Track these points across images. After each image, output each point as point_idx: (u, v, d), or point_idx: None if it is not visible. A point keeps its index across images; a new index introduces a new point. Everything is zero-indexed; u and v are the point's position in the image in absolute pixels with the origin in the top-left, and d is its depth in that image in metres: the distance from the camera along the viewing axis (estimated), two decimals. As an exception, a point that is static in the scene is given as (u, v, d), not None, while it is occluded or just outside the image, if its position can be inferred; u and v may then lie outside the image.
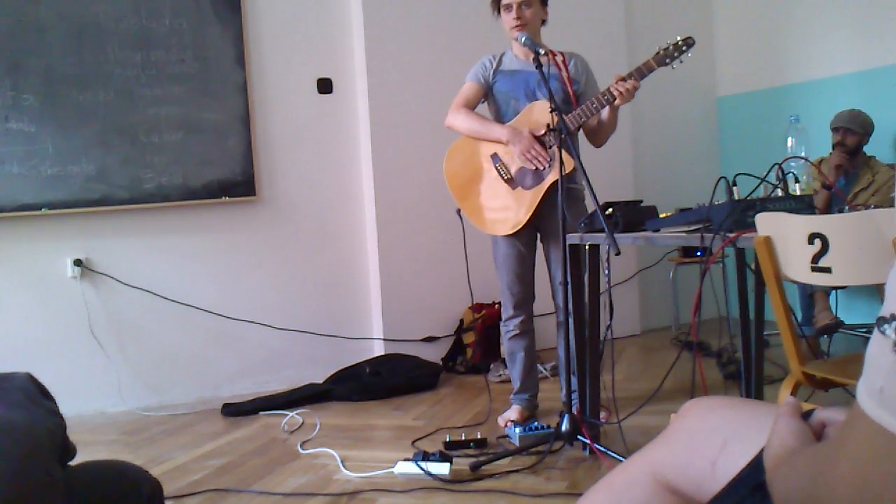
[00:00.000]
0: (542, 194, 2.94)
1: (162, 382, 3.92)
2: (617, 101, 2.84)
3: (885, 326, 0.58)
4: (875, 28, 4.32)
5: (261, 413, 3.57)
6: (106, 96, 3.76)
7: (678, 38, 2.82)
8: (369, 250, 4.33)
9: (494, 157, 3.02)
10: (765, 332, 2.67)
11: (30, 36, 3.64)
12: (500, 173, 3.01)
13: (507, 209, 3.00)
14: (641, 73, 2.82)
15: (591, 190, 2.49)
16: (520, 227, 2.98)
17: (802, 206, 2.11)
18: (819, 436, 0.83)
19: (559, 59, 3.04)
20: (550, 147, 2.90)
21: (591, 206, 2.59)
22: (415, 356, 4.09)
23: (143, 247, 3.91)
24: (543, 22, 3.06)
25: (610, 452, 2.54)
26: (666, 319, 5.06)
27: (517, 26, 2.93)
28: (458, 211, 3.07)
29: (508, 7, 2.94)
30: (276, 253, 4.17)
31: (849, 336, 4.09)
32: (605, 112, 2.92)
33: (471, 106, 3.08)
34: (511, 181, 3.00)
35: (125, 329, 3.87)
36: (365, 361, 4.00)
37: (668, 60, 2.82)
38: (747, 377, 2.55)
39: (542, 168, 2.93)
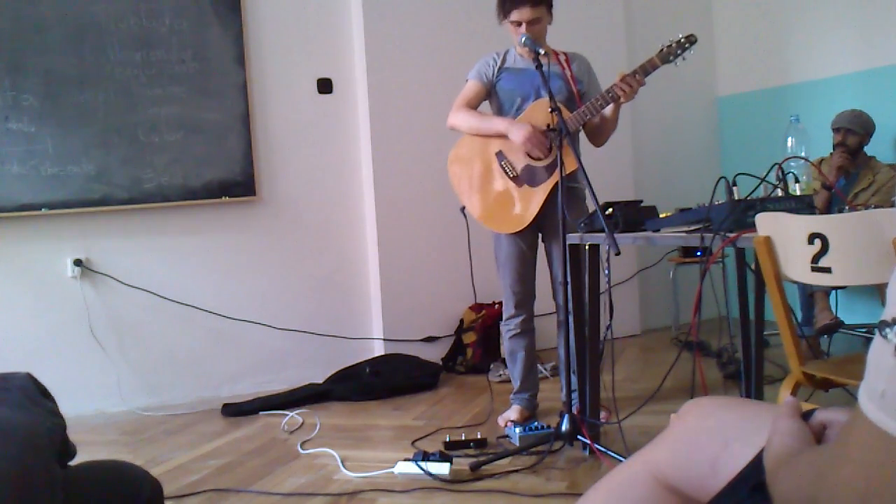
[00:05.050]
0: (548, 192, 2.93)
1: (162, 382, 3.92)
2: (622, 99, 2.83)
3: (887, 331, 0.58)
4: (875, 28, 4.32)
5: (261, 413, 3.57)
6: (106, 96, 3.76)
7: (681, 36, 2.83)
8: (369, 250, 4.33)
9: (499, 154, 3.01)
10: (765, 332, 2.67)
11: (30, 36, 3.63)
12: (505, 171, 3.00)
13: (512, 207, 2.99)
14: (646, 70, 2.82)
15: (591, 190, 2.49)
16: (526, 224, 2.98)
17: (802, 206, 2.11)
18: (819, 436, 0.83)
19: (562, 58, 3.04)
20: (550, 148, 2.91)
21: (591, 206, 2.59)
22: (415, 356, 4.09)
23: (143, 247, 3.91)
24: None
25: (610, 452, 2.54)
26: (666, 319, 5.06)
27: None
28: (463, 209, 3.07)
29: (518, 23, 2.91)
30: (275, 253, 4.17)
31: (849, 336, 4.08)
32: (607, 110, 2.92)
33: (472, 105, 3.07)
34: (517, 178, 2.99)
35: (125, 329, 3.87)
36: (365, 361, 4.00)
37: (671, 58, 2.83)
38: (747, 377, 2.55)
39: (542, 157, 2.92)
